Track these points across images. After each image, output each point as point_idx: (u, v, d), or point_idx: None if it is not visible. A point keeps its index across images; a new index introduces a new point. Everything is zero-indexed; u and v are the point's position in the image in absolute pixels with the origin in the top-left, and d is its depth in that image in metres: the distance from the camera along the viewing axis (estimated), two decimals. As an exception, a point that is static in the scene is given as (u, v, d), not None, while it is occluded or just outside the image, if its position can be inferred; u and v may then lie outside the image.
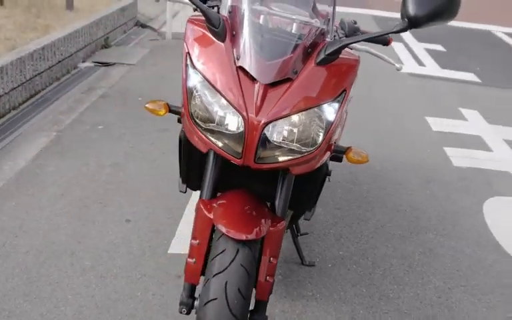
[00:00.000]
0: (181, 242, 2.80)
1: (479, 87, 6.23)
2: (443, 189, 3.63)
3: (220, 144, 1.63)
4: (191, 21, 1.78)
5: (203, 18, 1.72)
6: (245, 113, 1.56)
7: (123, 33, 6.92)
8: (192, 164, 1.97)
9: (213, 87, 1.61)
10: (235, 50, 1.63)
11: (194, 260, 1.74)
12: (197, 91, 1.64)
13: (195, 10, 1.95)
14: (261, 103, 1.56)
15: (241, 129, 1.57)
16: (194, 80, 1.65)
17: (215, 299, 1.55)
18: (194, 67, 1.65)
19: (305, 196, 1.95)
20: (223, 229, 1.62)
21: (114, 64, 5.66)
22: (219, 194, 1.84)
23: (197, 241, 1.73)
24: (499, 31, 9.56)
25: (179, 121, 2.04)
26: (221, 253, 1.60)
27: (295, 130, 1.59)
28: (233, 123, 1.59)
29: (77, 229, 2.82)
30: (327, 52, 1.65)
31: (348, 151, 1.89)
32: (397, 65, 1.88)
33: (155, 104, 1.90)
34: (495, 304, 2.60)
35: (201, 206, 1.73)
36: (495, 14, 10.83)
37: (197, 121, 1.65)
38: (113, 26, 6.49)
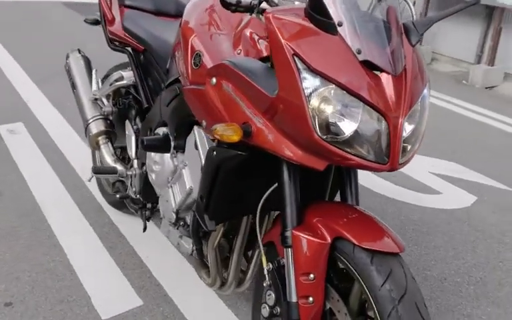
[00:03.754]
0: (107, 300, 2.20)
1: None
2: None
3: (359, 153, 1.33)
4: (276, 13, 1.36)
5: (284, 10, 1.39)
6: (387, 113, 1.31)
7: None
8: (224, 194, 1.61)
9: (344, 87, 1.28)
10: (350, 42, 1.32)
11: (312, 299, 1.43)
12: (320, 97, 1.29)
13: None
14: (395, 99, 1.33)
15: (383, 130, 1.31)
16: (313, 84, 1.28)
17: (413, 325, 1.30)
18: (310, 69, 1.28)
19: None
20: (375, 247, 1.36)
21: None
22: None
23: (312, 275, 1.41)
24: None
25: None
26: (391, 273, 1.33)
27: (415, 121, 1.41)
28: (368, 125, 1.31)
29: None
30: (421, 32, 1.48)
31: None
32: None
33: (226, 128, 1.41)
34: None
35: (302, 235, 1.42)
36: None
37: (320, 132, 1.30)
38: None
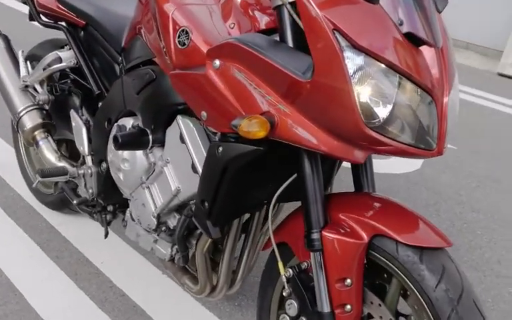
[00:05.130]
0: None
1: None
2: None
3: (406, 140, 1.15)
4: None
5: None
6: (434, 91, 1.14)
7: None
8: (233, 195, 1.38)
9: (391, 65, 1.09)
10: (390, 12, 1.12)
11: (349, 307, 1.26)
12: (365, 78, 1.08)
13: None
14: (438, 75, 1.16)
15: (432, 112, 1.15)
16: (357, 63, 1.07)
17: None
18: (354, 46, 1.07)
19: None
20: (422, 243, 1.20)
21: None
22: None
23: (349, 280, 1.25)
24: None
25: None
26: (444, 271, 1.19)
27: (453, 100, 1.24)
28: (417, 107, 1.13)
29: None
30: None
31: None
32: None
33: (250, 123, 1.15)
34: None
35: (333, 235, 1.24)
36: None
37: (365, 119, 1.11)
38: None
